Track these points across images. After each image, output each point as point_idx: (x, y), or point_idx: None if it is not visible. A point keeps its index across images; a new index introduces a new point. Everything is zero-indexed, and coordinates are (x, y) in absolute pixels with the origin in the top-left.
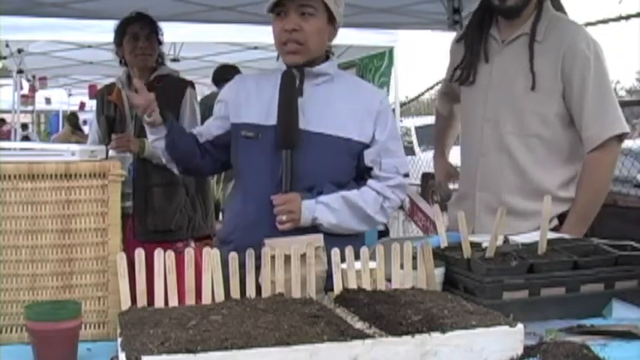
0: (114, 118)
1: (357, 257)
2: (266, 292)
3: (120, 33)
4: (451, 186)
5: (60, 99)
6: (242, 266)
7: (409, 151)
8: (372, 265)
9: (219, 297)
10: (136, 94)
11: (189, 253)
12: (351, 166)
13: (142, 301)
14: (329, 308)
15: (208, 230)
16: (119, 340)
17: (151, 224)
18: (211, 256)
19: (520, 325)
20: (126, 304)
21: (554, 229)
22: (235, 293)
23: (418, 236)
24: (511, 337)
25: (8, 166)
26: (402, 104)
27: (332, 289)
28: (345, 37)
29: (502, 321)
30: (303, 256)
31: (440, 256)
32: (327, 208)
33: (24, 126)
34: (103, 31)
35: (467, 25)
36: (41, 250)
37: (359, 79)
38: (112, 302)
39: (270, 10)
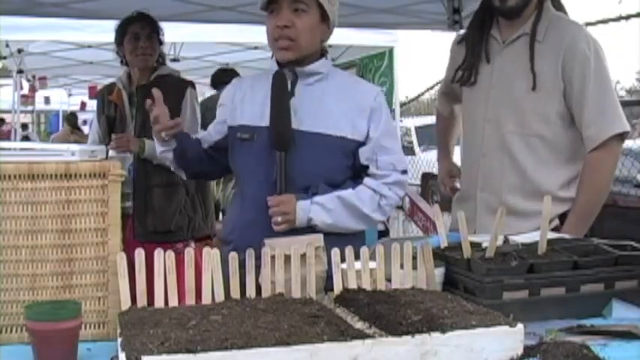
0: (114, 118)
1: (357, 257)
2: (266, 292)
3: (121, 33)
4: (456, 184)
5: (60, 99)
6: (242, 266)
7: (409, 151)
8: (372, 265)
9: (219, 297)
10: (160, 112)
11: (189, 253)
12: (346, 165)
13: (142, 301)
14: (329, 308)
15: (208, 231)
16: (119, 340)
17: (150, 225)
18: (211, 256)
19: (520, 325)
20: (126, 304)
21: (555, 229)
22: (235, 293)
23: (418, 236)
24: (511, 337)
25: (8, 166)
26: (402, 104)
27: (332, 289)
28: (345, 37)
29: (502, 321)
30: (303, 256)
31: (440, 256)
32: (322, 209)
33: (24, 126)
34: (103, 31)
35: (468, 26)
36: (41, 250)
37: (354, 77)
38: (112, 302)
39: (263, 7)
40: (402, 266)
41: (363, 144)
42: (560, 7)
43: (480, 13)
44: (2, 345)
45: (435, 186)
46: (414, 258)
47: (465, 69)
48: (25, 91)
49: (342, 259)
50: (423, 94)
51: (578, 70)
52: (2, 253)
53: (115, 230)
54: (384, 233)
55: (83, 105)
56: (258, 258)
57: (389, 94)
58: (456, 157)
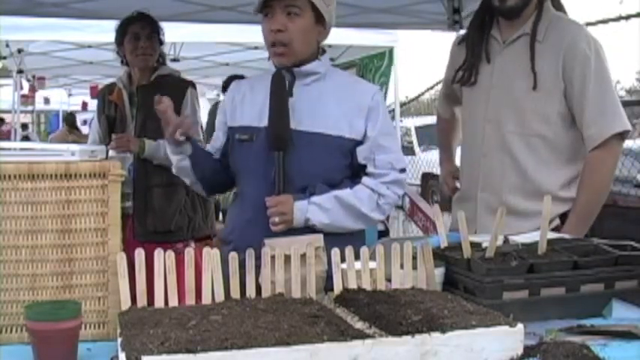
0: (114, 118)
1: (357, 257)
2: (266, 292)
3: (121, 32)
4: (457, 184)
5: (60, 99)
6: (242, 266)
7: (409, 151)
8: (372, 265)
9: (219, 297)
10: (166, 109)
11: (189, 253)
12: (344, 164)
13: (142, 301)
14: (329, 308)
15: (208, 231)
16: (119, 340)
17: (150, 225)
18: (211, 256)
19: (520, 325)
20: (126, 304)
21: (556, 229)
22: (235, 293)
23: (418, 236)
24: (511, 337)
25: (8, 166)
26: (402, 104)
27: (332, 289)
28: (345, 37)
29: (502, 321)
30: (303, 256)
31: (440, 256)
32: (320, 209)
33: (24, 126)
34: (103, 31)
35: (468, 26)
36: (41, 250)
37: (352, 76)
38: (112, 302)
39: (258, 10)
40: (402, 266)
41: (360, 143)
42: (559, 7)
43: (480, 14)
44: (2, 345)
45: (435, 186)
46: (414, 258)
47: (466, 69)
48: (25, 91)
49: (342, 259)
50: (423, 94)
51: (579, 69)
52: (2, 253)
53: (115, 230)
54: (384, 233)
55: (85, 105)
56: (258, 258)
57: (389, 95)
58: (458, 158)
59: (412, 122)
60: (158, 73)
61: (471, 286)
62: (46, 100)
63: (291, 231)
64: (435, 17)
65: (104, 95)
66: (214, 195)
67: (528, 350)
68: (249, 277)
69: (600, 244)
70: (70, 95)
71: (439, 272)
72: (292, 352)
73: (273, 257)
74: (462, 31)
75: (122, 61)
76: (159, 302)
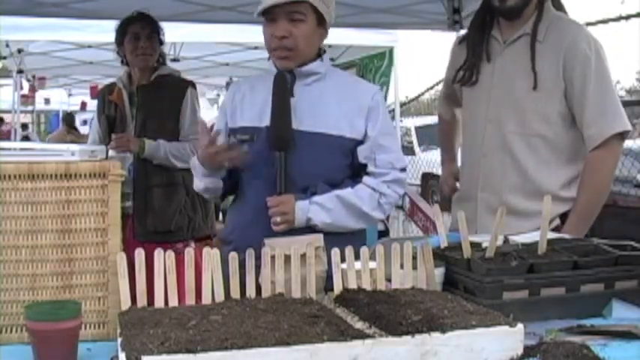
0: (114, 117)
1: (357, 257)
2: (266, 292)
3: (121, 32)
4: (458, 185)
5: (60, 99)
6: (242, 266)
7: (409, 151)
8: (372, 265)
9: (219, 297)
10: (210, 144)
11: (189, 253)
12: (345, 164)
13: (142, 301)
14: (329, 308)
15: (208, 231)
16: (119, 340)
17: (150, 225)
18: (211, 256)
19: (520, 325)
20: (126, 304)
21: (556, 229)
22: (235, 293)
23: (418, 236)
24: (511, 337)
25: (8, 166)
26: (402, 104)
27: (332, 289)
28: (345, 37)
29: (502, 321)
30: (303, 256)
31: (440, 256)
32: (321, 208)
33: (24, 126)
34: (103, 31)
35: (469, 26)
36: (41, 250)
37: (352, 76)
38: (112, 302)
39: (260, 14)
40: (402, 266)
41: (361, 143)
42: (560, 7)
43: (480, 14)
44: (2, 345)
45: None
46: (414, 258)
47: (467, 69)
48: (25, 91)
49: (342, 259)
50: (423, 94)
51: (579, 69)
52: (2, 253)
53: (115, 230)
54: (384, 233)
55: (84, 105)
56: (258, 258)
57: (389, 95)
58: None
59: (412, 122)
60: (158, 73)
61: (471, 286)
62: (47, 100)
63: (292, 231)
64: (435, 17)
65: (104, 95)
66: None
67: (528, 350)
68: (249, 277)
69: (600, 244)
70: (70, 95)
71: (439, 272)
72: (292, 352)
73: (273, 257)
74: (462, 31)
75: (122, 61)
76: (159, 302)
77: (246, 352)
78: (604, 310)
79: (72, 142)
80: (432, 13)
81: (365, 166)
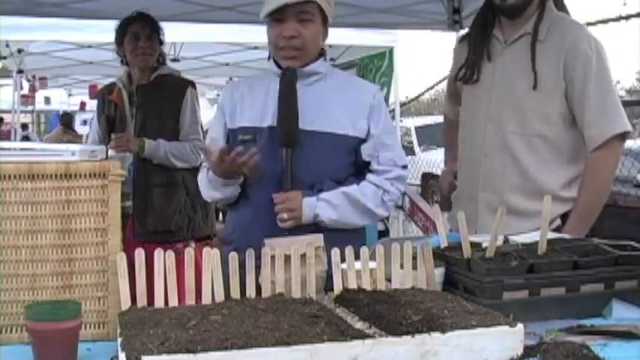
0: (114, 117)
1: (357, 257)
2: (266, 292)
3: (121, 32)
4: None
5: (60, 99)
6: (242, 266)
7: (409, 151)
8: (372, 265)
9: (219, 297)
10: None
11: (189, 253)
12: (349, 162)
13: (142, 301)
14: (329, 308)
15: (208, 230)
16: (119, 340)
17: (150, 225)
18: (211, 256)
19: (520, 325)
20: (126, 304)
21: (557, 229)
22: (235, 293)
23: (418, 236)
24: (511, 337)
25: (8, 166)
26: (402, 104)
27: (332, 289)
28: (345, 37)
29: (502, 321)
30: (303, 256)
31: (440, 256)
32: (329, 205)
33: (24, 126)
34: (103, 31)
35: (470, 26)
36: (41, 250)
37: (351, 76)
38: (112, 302)
39: (267, 15)
40: (402, 266)
41: (364, 141)
42: (562, 7)
43: (482, 13)
44: (2, 345)
45: (435, 186)
46: (414, 258)
47: (468, 67)
48: (25, 91)
49: (342, 259)
50: (423, 94)
51: (580, 70)
52: (2, 253)
53: (115, 230)
54: (384, 233)
55: (83, 105)
56: (258, 258)
57: (389, 95)
58: None
59: (412, 122)
60: (158, 73)
61: (471, 286)
62: (47, 100)
63: (293, 231)
64: (435, 17)
65: (104, 95)
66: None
67: (528, 350)
68: (249, 277)
69: (600, 244)
70: (70, 95)
71: (439, 272)
72: (292, 352)
73: (273, 257)
74: (462, 31)
75: (122, 61)
76: (159, 302)
77: (246, 352)
78: (604, 310)
79: (69, 141)
80: (432, 13)
81: (368, 163)
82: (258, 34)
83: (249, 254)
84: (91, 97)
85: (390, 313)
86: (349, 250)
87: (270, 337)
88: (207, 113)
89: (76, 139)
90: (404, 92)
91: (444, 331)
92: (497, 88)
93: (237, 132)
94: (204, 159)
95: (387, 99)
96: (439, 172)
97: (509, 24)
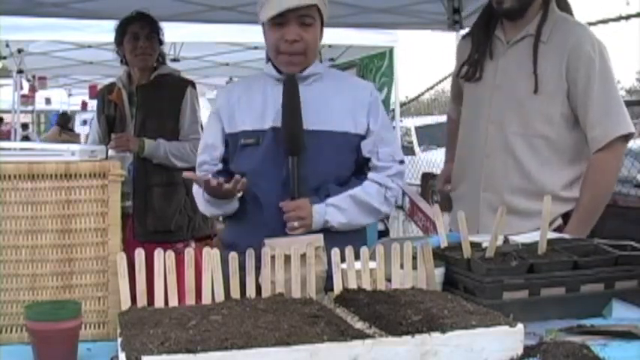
0: (114, 117)
1: (357, 257)
2: (266, 292)
3: (120, 32)
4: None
5: (60, 99)
6: (242, 268)
7: (409, 151)
8: (372, 265)
9: (219, 297)
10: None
11: (189, 253)
12: (352, 160)
13: (142, 301)
14: (329, 308)
15: (208, 231)
16: (119, 340)
17: (150, 225)
18: (211, 256)
19: (520, 325)
20: (126, 304)
21: (558, 229)
22: (235, 293)
23: (418, 236)
24: (511, 337)
25: (8, 166)
26: (402, 104)
27: (332, 289)
28: (345, 37)
29: (502, 321)
30: (303, 256)
31: (440, 256)
32: (338, 210)
33: (24, 126)
34: (103, 31)
35: (473, 25)
36: (41, 250)
37: (346, 74)
38: (112, 302)
39: (268, 19)
40: (402, 266)
41: (364, 138)
42: (566, 7)
43: (485, 13)
44: (2, 345)
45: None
46: (414, 258)
47: (471, 65)
48: (25, 91)
49: (342, 259)
50: (423, 94)
51: (583, 71)
52: (2, 253)
53: (115, 230)
54: (384, 233)
55: (84, 105)
56: (258, 258)
57: (389, 94)
58: None
59: (412, 122)
60: (158, 73)
61: (471, 286)
62: (47, 100)
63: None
64: (435, 17)
65: (104, 95)
66: None
67: (528, 350)
68: (249, 277)
69: (600, 244)
70: (70, 95)
71: (439, 272)
72: (292, 352)
73: (273, 257)
74: (462, 31)
75: (122, 61)
76: (159, 302)
77: (246, 352)
78: (604, 310)
79: (66, 141)
80: (432, 13)
81: (367, 159)
82: (258, 34)
83: (249, 254)
84: (91, 97)
85: (390, 313)
86: (349, 250)
87: (270, 337)
88: (207, 113)
89: (73, 138)
90: (404, 92)
91: (444, 331)
92: (499, 88)
93: (239, 136)
94: (197, 172)
95: (387, 99)
96: (439, 172)
97: (511, 25)
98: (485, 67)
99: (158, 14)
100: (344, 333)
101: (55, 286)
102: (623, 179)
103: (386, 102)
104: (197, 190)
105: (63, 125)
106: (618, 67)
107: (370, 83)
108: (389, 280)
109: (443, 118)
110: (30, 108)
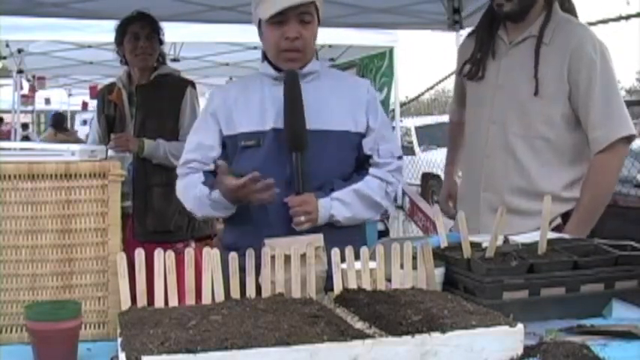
0: (114, 117)
1: (357, 257)
2: (266, 292)
3: (121, 32)
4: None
5: (60, 99)
6: (242, 269)
7: (409, 151)
8: (372, 265)
9: (219, 297)
10: (232, 181)
11: (189, 253)
12: (353, 158)
13: (142, 301)
14: (329, 308)
15: (208, 230)
16: (119, 340)
17: (150, 225)
18: (211, 256)
19: (520, 325)
20: (126, 304)
21: (557, 229)
22: (235, 293)
23: (418, 236)
24: (511, 337)
25: (8, 166)
26: (402, 104)
27: (332, 289)
28: (345, 37)
29: (502, 321)
30: (303, 256)
31: (440, 256)
32: (342, 204)
33: (24, 126)
34: (103, 31)
35: (476, 25)
36: (41, 250)
37: (342, 72)
38: (112, 302)
39: (268, 19)
40: (402, 266)
41: (364, 136)
42: (570, 8)
43: (488, 14)
44: (2, 345)
45: (435, 186)
46: (414, 258)
47: (473, 63)
48: (25, 91)
49: (342, 259)
50: (423, 94)
51: (585, 72)
52: (2, 253)
53: (115, 230)
54: (384, 233)
55: (85, 105)
56: (258, 258)
57: (389, 94)
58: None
59: (412, 122)
60: (158, 73)
61: (471, 286)
62: (47, 100)
63: (294, 230)
64: (435, 17)
65: (104, 95)
66: None
67: (528, 350)
68: (249, 277)
69: (600, 244)
70: (70, 95)
71: (439, 272)
72: (292, 352)
73: (273, 257)
74: (462, 31)
75: (122, 61)
76: (159, 302)
77: (246, 352)
78: (604, 310)
79: (63, 141)
80: (432, 13)
81: (367, 157)
82: (257, 34)
83: (249, 254)
84: (92, 97)
85: (390, 313)
86: (349, 250)
87: (270, 337)
88: None
89: (69, 137)
90: (404, 92)
91: (444, 331)
92: (501, 89)
93: (238, 138)
94: (181, 170)
95: (387, 99)
96: (439, 172)
97: (513, 26)
98: (488, 66)
99: (158, 14)
100: (344, 333)
101: (55, 286)
102: (623, 179)
103: (386, 102)
104: (188, 190)
105: (57, 126)
106: (618, 67)
107: (367, 81)
108: (389, 280)
109: (443, 118)
110: (30, 108)
